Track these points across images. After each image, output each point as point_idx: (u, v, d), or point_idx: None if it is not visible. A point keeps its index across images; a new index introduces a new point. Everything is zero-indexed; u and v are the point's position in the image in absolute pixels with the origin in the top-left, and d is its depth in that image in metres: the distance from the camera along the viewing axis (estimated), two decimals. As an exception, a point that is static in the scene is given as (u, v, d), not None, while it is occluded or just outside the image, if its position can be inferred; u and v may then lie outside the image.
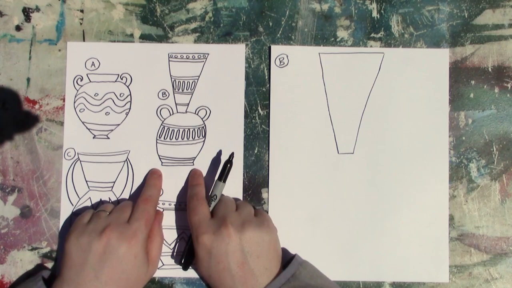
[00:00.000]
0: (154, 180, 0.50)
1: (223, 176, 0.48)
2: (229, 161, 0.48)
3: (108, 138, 0.51)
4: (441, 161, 0.51)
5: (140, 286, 0.46)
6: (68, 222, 0.50)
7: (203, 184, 0.49)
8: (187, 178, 0.51)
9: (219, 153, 0.51)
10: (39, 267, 0.50)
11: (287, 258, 0.47)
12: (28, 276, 0.50)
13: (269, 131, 0.51)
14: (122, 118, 0.51)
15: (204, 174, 0.51)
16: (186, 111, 0.52)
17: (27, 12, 0.52)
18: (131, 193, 0.51)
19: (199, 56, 0.52)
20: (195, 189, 0.48)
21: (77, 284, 0.42)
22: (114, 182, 0.51)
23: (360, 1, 0.52)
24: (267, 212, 0.51)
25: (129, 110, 0.51)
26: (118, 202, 0.51)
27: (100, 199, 0.51)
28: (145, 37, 0.52)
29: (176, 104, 0.52)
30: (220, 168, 0.49)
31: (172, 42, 0.52)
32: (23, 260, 0.50)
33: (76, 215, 0.50)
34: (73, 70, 0.52)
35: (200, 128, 0.51)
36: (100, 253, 0.43)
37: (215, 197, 0.48)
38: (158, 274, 0.50)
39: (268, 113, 0.52)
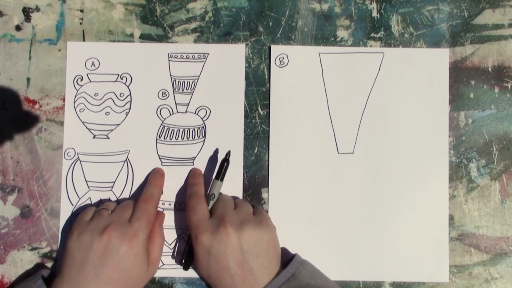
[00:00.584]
0: (156, 179, 0.50)
1: (221, 175, 0.48)
2: (226, 160, 0.48)
3: (108, 138, 0.51)
4: (441, 161, 0.51)
5: (140, 286, 0.46)
6: (68, 222, 0.50)
7: (203, 183, 0.49)
8: (187, 178, 0.51)
9: (216, 152, 0.51)
10: (39, 266, 0.50)
11: (287, 258, 0.47)
12: (27, 275, 0.50)
13: (269, 131, 0.51)
14: (122, 118, 0.51)
15: (204, 173, 0.51)
16: (186, 111, 0.52)
17: (27, 12, 0.52)
18: (131, 193, 0.51)
19: (199, 56, 0.52)
20: (195, 188, 0.48)
21: (77, 282, 0.43)
22: (114, 182, 0.51)
23: (360, 1, 0.52)
24: (267, 212, 0.51)
25: (129, 110, 0.51)
26: (118, 202, 0.51)
27: (100, 199, 0.51)
28: (145, 37, 0.52)
29: (176, 104, 0.52)
30: (217, 166, 0.49)
31: (172, 42, 0.52)
32: (23, 260, 0.50)
33: (76, 215, 0.50)
34: (73, 70, 0.52)
35: (200, 128, 0.51)
36: (101, 252, 0.43)
37: (213, 196, 0.48)
38: (158, 274, 0.50)
39: (268, 113, 0.52)
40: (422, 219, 0.51)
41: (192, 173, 0.50)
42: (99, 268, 0.43)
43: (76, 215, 0.50)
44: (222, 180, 0.48)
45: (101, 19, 0.52)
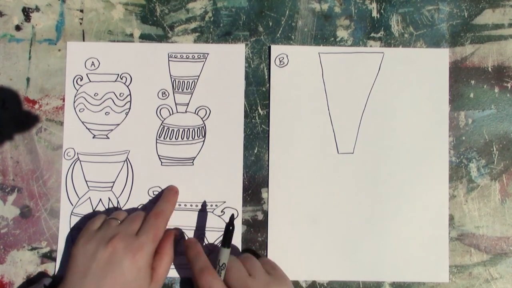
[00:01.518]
0: (169, 195, 0.49)
1: (227, 242, 0.45)
2: (231, 224, 0.46)
3: (108, 138, 0.51)
4: (441, 161, 0.51)
5: None
6: (68, 222, 0.50)
7: (203, 251, 0.46)
8: (187, 178, 0.51)
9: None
10: (41, 275, 0.50)
11: None
12: (29, 283, 0.49)
13: (269, 131, 0.51)
14: (122, 118, 0.51)
15: (204, 174, 0.51)
16: (186, 111, 0.52)
17: (26, 12, 0.52)
18: (131, 193, 0.51)
19: (199, 56, 0.52)
20: (200, 261, 0.45)
21: None
22: (114, 182, 0.51)
23: (360, 0, 0.52)
24: (267, 212, 0.51)
25: (129, 110, 0.51)
26: (118, 202, 0.51)
27: (100, 199, 0.51)
28: (145, 37, 0.52)
29: (176, 104, 0.52)
30: (223, 233, 0.47)
31: (172, 42, 0.52)
32: (22, 260, 0.50)
33: (76, 215, 0.50)
34: (73, 70, 0.52)
35: (200, 128, 0.51)
36: (105, 262, 0.42)
37: (223, 265, 0.45)
38: (158, 274, 0.50)
39: (268, 113, 0.52)
40: (422, 219, 0.51)
41: (188, 244, 0.47)
42: (101, 279, 0.42)
43: (76, 215, 0.50)
44: (229, 247, 0.45)
45: (101, 19, 0.52)
